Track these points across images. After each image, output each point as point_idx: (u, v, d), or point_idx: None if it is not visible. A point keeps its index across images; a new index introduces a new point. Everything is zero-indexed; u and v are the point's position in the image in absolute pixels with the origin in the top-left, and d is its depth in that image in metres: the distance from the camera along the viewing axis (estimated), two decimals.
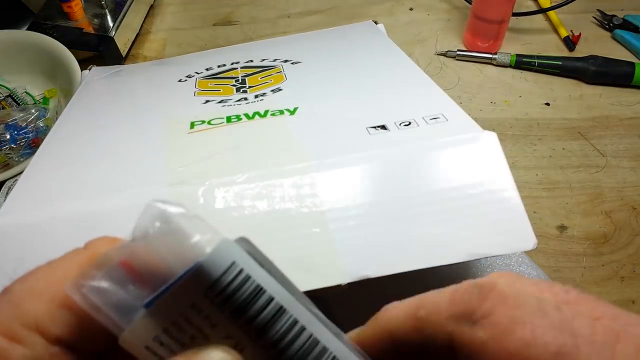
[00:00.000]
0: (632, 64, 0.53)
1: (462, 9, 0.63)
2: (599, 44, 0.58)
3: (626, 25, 0.58)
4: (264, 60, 0.43)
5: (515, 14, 0.57)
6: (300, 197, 0.26)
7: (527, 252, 0.44)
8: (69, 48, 0.51)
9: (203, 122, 0.33)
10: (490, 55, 0.56)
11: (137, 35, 0.61)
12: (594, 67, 0.54)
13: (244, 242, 0.16)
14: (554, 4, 0.59)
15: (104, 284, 0.15)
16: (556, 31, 0.60)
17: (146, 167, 0.28)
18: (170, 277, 0.15)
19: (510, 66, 0.56)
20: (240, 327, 0.15)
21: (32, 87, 0.55)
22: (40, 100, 0.54)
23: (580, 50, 0.57)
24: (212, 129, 0.32)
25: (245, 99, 0.36)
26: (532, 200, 0.47)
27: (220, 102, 0.36)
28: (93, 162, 0.30)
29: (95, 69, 0.46)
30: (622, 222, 0.45)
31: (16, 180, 0.43)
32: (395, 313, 0.17)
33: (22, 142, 0.49)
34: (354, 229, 0.26)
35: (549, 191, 0.47)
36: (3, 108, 0.52)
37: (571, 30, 0.58)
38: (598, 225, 0.45)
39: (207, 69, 0.42)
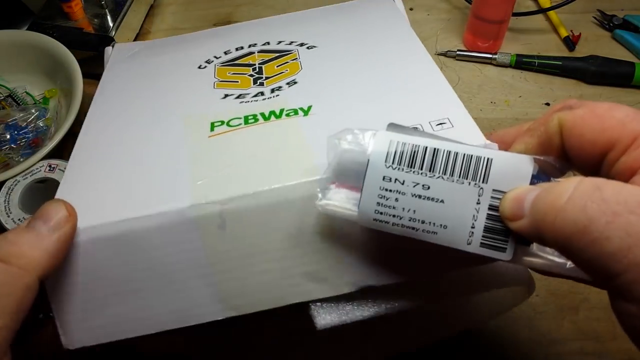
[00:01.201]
0: (632, 64, 0.53)
1: (462, 9, 0.63)
2: (599, 44, 0.58)
3: (626, 25, 0.58)
4: (280, 42, 0.42)
5: (515, 14, 0.57)
6: (309, 212, 0.27)
7: None
8: (69, 48, 0.51)
9: (222, 122, 0.33)
10: (490, 55, 0.56)
11: (137, 35, 0.61)
12: (594, 67, 0.54)
13: (392, 126, 0.25)
14: (554, 4, 0.59)
15: (325, 201, 0.25)
16: (556, 31, 0.60)
17: (172, 178, 0.29)
18: (363, 173, 0.24)
19: (510, 66, 0.56)
20: (419, 173, 0.23)
21: (32, 87, 0.55)
22: (40, 100, 0.54)
23: (580, 50, 0.57)
24: (231, 132, 0.32)
25: (262, 93, 0.36)
26: None
27: (238, 97, 0.36)
28: (123, 172, 0.30)
29: (118, 47, 0.45)
30: None
31: (16, 180, 0.43)
32: (512, 141, 0.25)
33: (22, 142, 0.49)
34: (359, 242, 0.27)
35: None
36: (3, 108, 0.52)
37: (571, 30, 0.58)
38: None
39: (225, 53, 0.42)
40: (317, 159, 0.28)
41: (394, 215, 0.23)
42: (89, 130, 0.35)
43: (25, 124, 0.49)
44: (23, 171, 0.44)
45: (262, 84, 0.37)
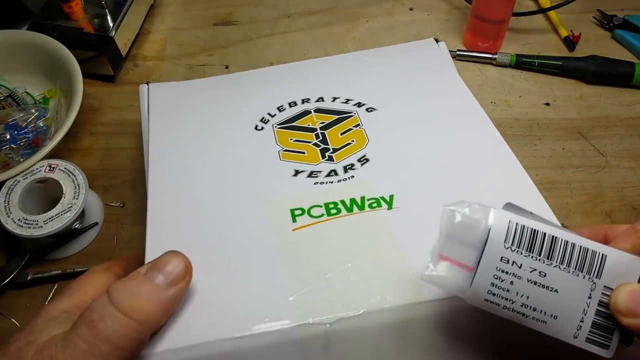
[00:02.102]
0: (632, 64, 0.53)
1: (462, 9, 0.63)
2: (599, 44, 0.58)
3: (626, 25, 0.58)
4: (335, 99, 0.41)
5: (515, 14, 0.57)
6: (415, 335, 0.27)
7: None
8: (69, 48, 0.51)
9: (303, 211, 0.32)
10: (490, 55, 0.56)
11: (137, 35, 0.61)
12: (594, 67, 0.54)
13: (509, 206, 0.24)
14: (554, 4, 0.59)
15: (435, 272, 0.24)
16: (556, 31, 0.60)
17: (269, 289, 0.28)
18: (477, 249, 0.23)
19: (510, 66, 0.56)
20: (537, 258, 0.23)
21: (32, 87, 0.54)
22: (40, 100, 0.54)
23: (580, 50, 0.57)
24: (314, 224, 0.32)
25: (335, 172, 0.35)
26: None
27: (310, 175, 0.35)
28: (216, 279, 0.29)
29: (154, 88, 0.43)
30: (622, 222, 0.45)
31: (16, 180, 0.43)
32: (617, 240, 0.25)
33: (22, 142, 0.49)
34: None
35: (549, 191, 0.47)
36: (3, 108, 0.52)
37: (571, 30, 0.58)
38: None
39: (279, 109, 0.40)
40: (413, 266, 0.28)
41: (506, 299, 0.23)
42: (160, 214, 0.33)
43: (25, 124, 0.49)
44: (23, 171, 0.43)
45: (331, 159, 0.36)
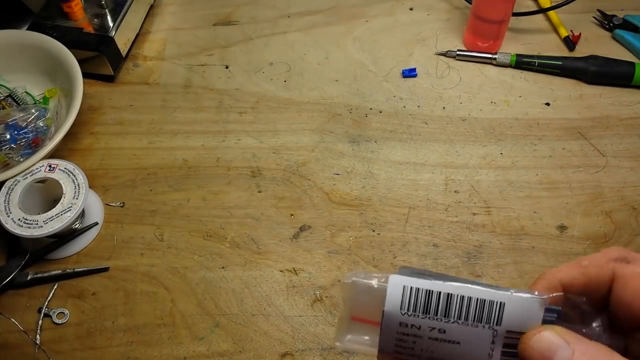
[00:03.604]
0: (632, 64, 0.53)
1: (462, 9, 0.63)
2: (599, 44, 0.58)
3: (626, 25, 0.58)
4: None
5: (515, 14, 0.57)
6: None
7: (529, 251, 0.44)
8: (69, 48, 0.51)
9: None
10: (490, 55, 0.56)
11: (137, 35, 0.61)
12: (594, 67, 0.54)
13: (404, 269, 0.25)
14: (554, 4, 0.59)
15: (349, 336, 0.25)
16: (556, 31, 0.60)
17: None
18: (379, 314, 0.24)
19: (510, 66, 0.56)
20: (434, 318, 0.24)
21: (32, 87, 0.54)
22: (40, 100, 0.54)
23: (580, 50, 0.57)
24: None
25: None
26: (532, 200, 0.47)
27: None
28: None
29: None
30: (622, 222, 0.45)
31: (16, 180, 0.43)
32: (560, 268, 0.25)
33: (22, 142, 0.49)
34: None
35: (549, 191, 0.47)
36: (3, 108, 0.52)
37: (571, 30, 0.58)
38: (598, 225, 0.45)
39: None
40: None
41: (412, 355, 0.24)
42: None
43: (25, 124, 0.49)
44: (23, 171, 0.44)
45: None
